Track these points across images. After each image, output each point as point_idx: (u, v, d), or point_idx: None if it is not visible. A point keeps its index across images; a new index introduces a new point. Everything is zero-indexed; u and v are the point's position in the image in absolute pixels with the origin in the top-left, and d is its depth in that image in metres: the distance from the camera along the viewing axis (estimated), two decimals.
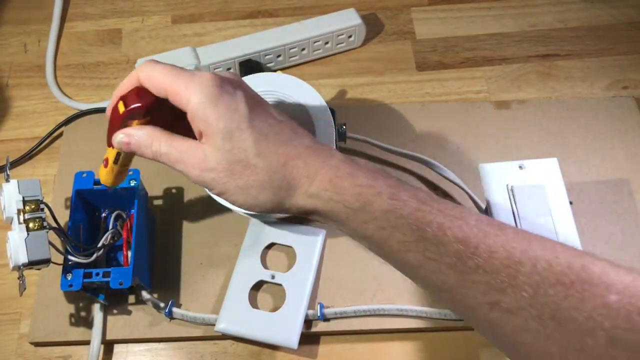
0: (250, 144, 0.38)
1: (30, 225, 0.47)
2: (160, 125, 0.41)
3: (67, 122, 0.66)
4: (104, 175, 0.46)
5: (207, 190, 0.47)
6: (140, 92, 0.40)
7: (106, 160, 0.45)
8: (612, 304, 0.31)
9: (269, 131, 0.38)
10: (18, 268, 0.46)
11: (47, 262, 0.47)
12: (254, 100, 0.40)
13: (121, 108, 0.40)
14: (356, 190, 0.38)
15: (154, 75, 0.39)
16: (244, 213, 0.57)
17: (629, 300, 0.31)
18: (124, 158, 0.45)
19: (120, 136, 0.41)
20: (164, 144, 0.39)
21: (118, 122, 0.41)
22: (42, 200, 0.48)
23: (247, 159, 0.38)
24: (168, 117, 0.41)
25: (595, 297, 0.32)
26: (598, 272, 0.32)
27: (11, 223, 0.47)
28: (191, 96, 0.37)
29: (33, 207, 0.48)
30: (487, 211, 0.54)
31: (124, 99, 0.40)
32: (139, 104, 0.39)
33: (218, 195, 0.40)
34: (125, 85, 0.41)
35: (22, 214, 0.47)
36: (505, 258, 0.34)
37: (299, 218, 0.58)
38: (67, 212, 0.57)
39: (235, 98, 0.38)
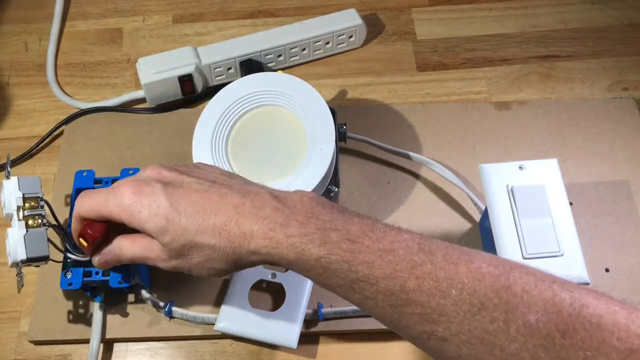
0: (184, 227, 0.40)
1: (30, 222, 0.47)
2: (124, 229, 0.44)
3: (67, 121, 0.66)
4: None
5: None
6: (90, 225, 0.44)
7: None
8: (533, 324, 0.32)
9: (195, 209, 0.41)
10: (16, 265, 0.46)
11: (45, 259, 0.47)
12: (173, 186, 0.42)
13: (84, 244, 0.45)
14: (289, 242, 0.39)
15: (89, 209, 0.44)
16: None
17: (548, 318, 0.32)
18: None
19: (96, 259, 0.46)
20: (129, 250, 0.44)
21: (89, 250, 0.45)
22: (42, 198, 0.48)
23: (189, 240, 0.40)
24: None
25: (516, 318, 0.32)
26: (520, 292, 0.33)
27: (10, 220, 0.47)
28: (121, 214, 0.42)
29: (33, 204, 0.48)
30: (487, 212, 0.54)
31: (82, 236, 0.44)
32: (95, 235, 0.44)
33: (189, 274, 0.43)
34: (74, 224, 0.46)
35: (21, 210, 0.47)
36: (433, 288, 0.35)
37: None
38: (68, 211, 0.57)
39: (154, 197, 0.41)
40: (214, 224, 0.40)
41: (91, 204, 0.43)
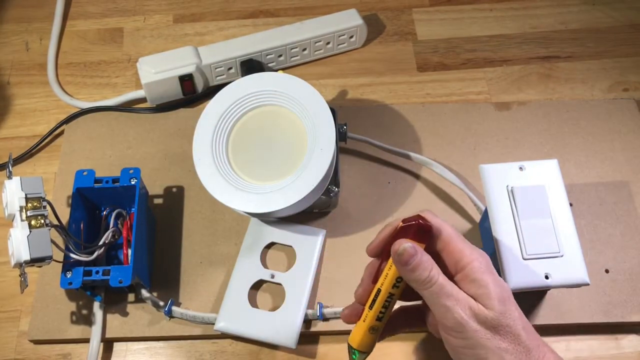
0: (517, 315, 0.40)
1: (33, 222, 0.47)
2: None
3: (68, 120, 0.66)
4: (356, 334, 0.44)
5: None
6: (423, 218, 0.41)
7: (360, 312, 0.44)
8: None
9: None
10: (20, 265, 0.46)
11: (48, 259, 0.48)
12: None
13: (399, 224, 0.42)
14: None
15: (441, 221, 0.42)
16: (245, 212, 0.57)
17: None
18: (385, 298, 0.43)
19: (408, 245, 0.40)
20: (441, 275, 0.40)
21: (389, 244, 0.42)
22: (44, 198, 0.48)
23: (514, 326, 0.39)
24: None
25: None
26: None
27: (13, 220, 0.47)
28: (476, 259, 0.40)
29: (35, 204, 0.48)
30: (487, 212, 0.54)
31: (408, 220, 0.41)
32: (427, 223, 0.41)
33: (465, 347, 0.40)
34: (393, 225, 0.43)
35: (24, 211, 0.47)
36: None
37: (299, 218, 0.58)
38: (68, 210, 0.57)
39: (501, 279, 0.41)
40: (537, 337, 0.40)
41: (446, 223, 0.42)
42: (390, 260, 0.42)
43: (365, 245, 0.58)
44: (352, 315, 0.45)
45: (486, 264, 0.41)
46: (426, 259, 0.40)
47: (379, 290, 0.43)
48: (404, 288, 0.43)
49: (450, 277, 0.41)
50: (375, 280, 0.43)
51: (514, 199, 0.51)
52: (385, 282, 0.42)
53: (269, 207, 0.52)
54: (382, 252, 0.44)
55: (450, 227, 0.42)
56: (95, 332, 0.54)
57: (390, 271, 0.42)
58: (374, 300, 0.43)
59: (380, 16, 0.75)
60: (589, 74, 0.70)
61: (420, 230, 0.41)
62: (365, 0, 0.76)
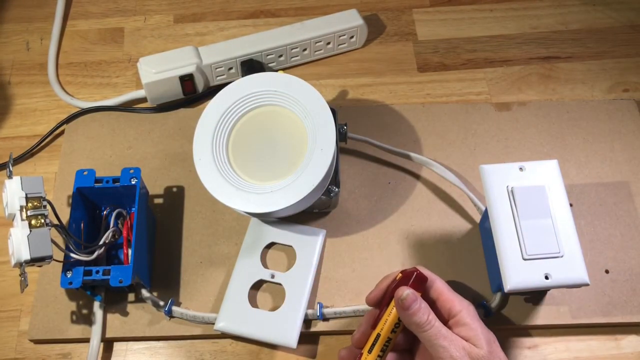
0: (502, 356, 0.45)
1: (33, 222, 0.47)
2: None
3: (68, 120, 0.66)
4: None
5: None
6: (419, 270, 0.46)
7: (356, 355, 0.47)
8: None
9: None
10: (20, 265, 0.46)
11: (49, 259, 0.48)
12: None
13: (399, 275, 0.47)
14: None
15: (434, 275, 0.47)
16: (245, 212, 0.57)
17: None
18: (384, 342, 0.46)
19: (409, 291, 0.45)
20: (437, 320, 0.45)
21: (392, 293, 0.46)
22: (44, 197, 0.48)
23: None
24: None
25: None
26: None
27: (13, 220, 0.47)
28: (465, 308, 0.46)
29: (36, 204, 0.48)
30: (487, 213, 0.54)
31: (406, 271, 0.46)
32: (423, 275, 0.46)
33: None
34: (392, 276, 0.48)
35: (24, 210, 0.47)
36: None
37: (299, 218, 0.59)
38: (68, 210, 0.57)
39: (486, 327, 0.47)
40: None
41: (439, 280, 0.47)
42: (390, 307, 0.46)
43: (366, 245, 0.59)
44: (350, 357, 0.49)
45: (474, 312, 0.46)
46: (424, 305, 0.45)
47: (378, 335, 0.46)
48: (399, 334, 0.47)
49: (444, 322, 0.46)
50: (374, 326, 0.47)
51: (514, 199, 0.51)
52: (384, 327, 0.46)
53: (269, 207, 0.52)
54: (381, 301, 0.48)
55: (440, 280, 0.47)
56: (96, 331, 0.54)
57: (389, 317, 0.46)
58: (373, 344, 0.46)
59: (380, 16, 0.75)
60: (589, 75, 0.70)
61: (418, 280, 0.46)
62: (366, 1, 0.76)
